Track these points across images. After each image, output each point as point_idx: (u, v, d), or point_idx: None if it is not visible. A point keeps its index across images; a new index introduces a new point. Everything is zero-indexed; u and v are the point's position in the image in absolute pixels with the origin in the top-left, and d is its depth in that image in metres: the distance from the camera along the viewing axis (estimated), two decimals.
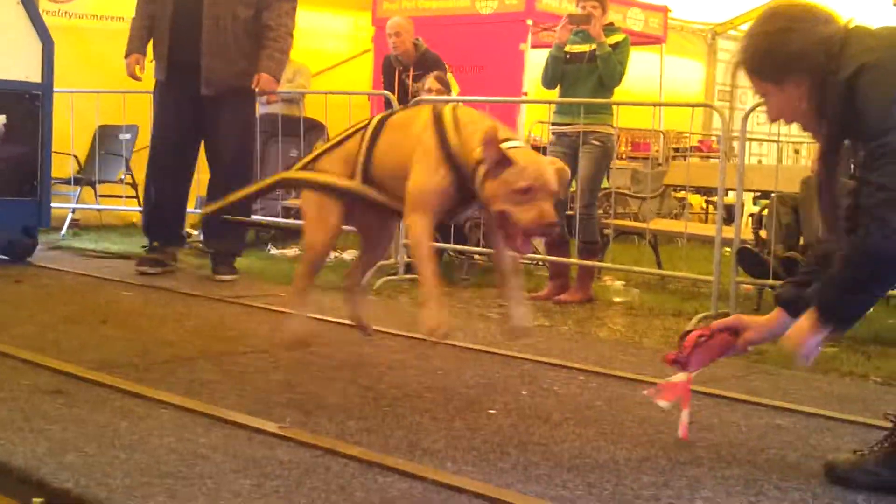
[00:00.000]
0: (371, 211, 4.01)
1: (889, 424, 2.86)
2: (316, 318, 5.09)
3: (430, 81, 7.78)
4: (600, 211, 7.15)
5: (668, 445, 3.14)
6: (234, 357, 4.14)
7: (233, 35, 6.08)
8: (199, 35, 6.05)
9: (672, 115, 11.38)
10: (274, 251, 8.13)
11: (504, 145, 3.42)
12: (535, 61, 9.21)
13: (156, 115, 6.40)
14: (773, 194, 6.30)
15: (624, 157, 10.49)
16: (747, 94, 12.80)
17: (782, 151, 11.63)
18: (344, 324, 4.97)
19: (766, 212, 6.48)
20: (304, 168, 4.11)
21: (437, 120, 3.65)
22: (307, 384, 3.71)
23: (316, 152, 4.15)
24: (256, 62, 6.18)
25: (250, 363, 4.03)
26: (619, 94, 6.97)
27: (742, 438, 3.28)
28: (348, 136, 3.98)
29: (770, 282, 5.65)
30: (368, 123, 3.94)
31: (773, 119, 2.97)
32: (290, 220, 7.80)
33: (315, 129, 8.82)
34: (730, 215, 6.95)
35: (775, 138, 9.12)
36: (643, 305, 6.37)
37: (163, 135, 6.35)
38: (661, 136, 10.66)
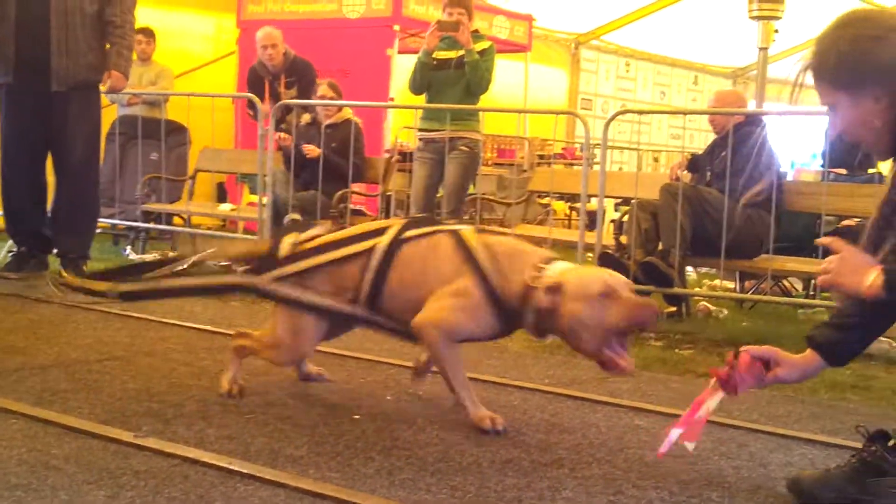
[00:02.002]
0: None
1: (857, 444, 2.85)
2: (175, 325, 4.98)
3: (322, 89, 7.73)
4: (466, 216, 7.19)
5: (530, 447, 3.17)
6: (89, 365, 4.00)
7: (81, 30, 5.96)
8: (47, 32, 5.89)
9: (537, 123, 11.55)
10: (133, 255, 7.91)
11: (550, 268, 3.21)
12: (402, 67, 9.23)
13: (5, 118, 6.16)
14: (633, 201, 6.43)
15: (490, 163, 10.59)
16: (608, 103, 13.12)
17: (642, 159, 11.96)
18: (205, 329, 4.87)
19: (626, 218, 6.62)
20: (287, 277, 3.55)
21: (471, 259, 3.31)
22: (165, 392, 3.61)
23: (301, 264, 3.54)
24: (102, 57, 6.09)
25: (106, 371, 3.91)
26: (485, 101, 7.04)
27: (602, 439, 3.33)
28: (346, 258, 3.50)
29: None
30: (372, 249, 3.46)
31: (835, 133, 2.71)
32: (150, 225, 7.62)
33: (177, 131, 8.64)
34: (592, 221, 7.08)
35: (636, 146, 9.36)
36: None
37: (16, 137, 6.13)
38: (527, 142, 10.80)
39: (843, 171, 10.62)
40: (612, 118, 6.43)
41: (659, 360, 4.91)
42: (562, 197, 10.28)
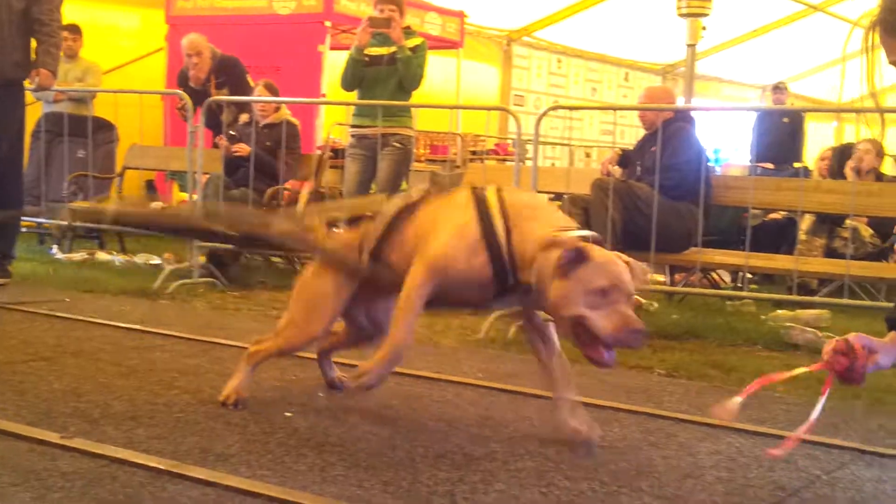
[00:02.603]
0: (367, 303, 3.53)
1: None
2: (103, 324, 4.91)
3: (259, 90, 7.67)
4: None
5: (463, 441, 3.17)
6: (14, 366, 3.92)
7: (7, 28, 5.86)
8: None
9: (469, 119, 11.58)
10: (59, 255, 7.77)
11: (570, 234, 2.97)
12: (334, 63, 9.19)
13: None
14: (564, 196, 6.47)
15: (423, 159, 10.59)
16: (541, 99, 13.20)
17: (574, 155, 12.04)
18: (133, 329, 4.81)
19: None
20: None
21: (479, 202, 3.13)
22: (93, 392, 3.56)
23: (323, 212, 3.59)
24: (28, 54, 6.01)
25: (31, 372, 3.83)
26: (418, 97, 7.03)
27: (535, 432, 3.35)
28: (356, 219, 3.50)
29: None
30: (382, 210, 3.37)
31: None
32: (79, 224, 7.49)
33: (104, 128, 8.51)
34: None
35: (567, 142, 9.42)
36: None
37: None
38: (459, 138, 10.82)
39: (770, 166, 10.84)
40: (544, 114, 6.46)
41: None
42: None
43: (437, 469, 2.87)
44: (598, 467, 2.97)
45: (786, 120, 11.35)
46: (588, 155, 13.38)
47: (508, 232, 3.04)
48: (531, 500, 2.65)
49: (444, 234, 3.13)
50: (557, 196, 7.86)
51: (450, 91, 11.66)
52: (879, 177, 7.71)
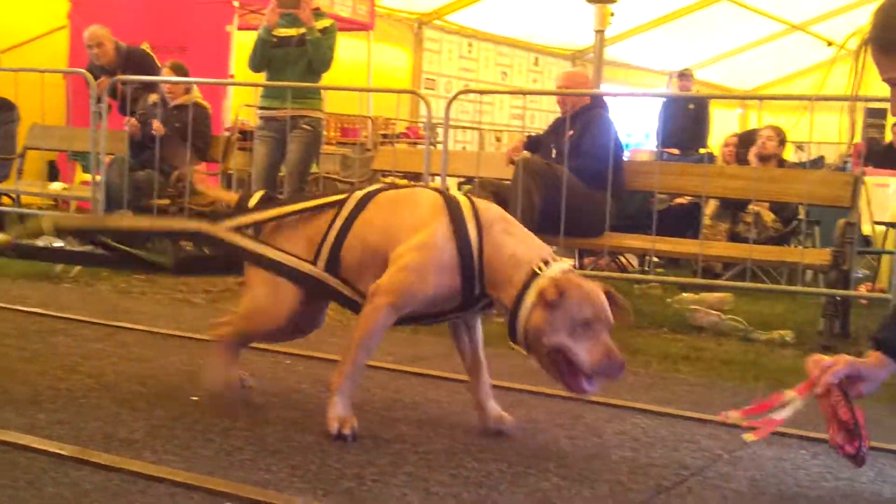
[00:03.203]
0: (308, 303, 3.26)
1: None
2: (4, 308, 4.80)
3: (166, 71, 7.53)
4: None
5: (373, 424, 3.17)
6: None
7: None
8: None
9: (380, 102, 11.54)
10: None
11: (557, 266, 2.90)
12: (242, 43, 9.07)
13: None
14: (475, 180, 6.49)
15: (333, 142, 10.53)
16: (452, 83, 13.21)
17: (485, 139, 12.08)
18: (35, 312, 4.70)
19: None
20: (244, 229, 3.27)
21: (453, 210, 2.99)
22: None
23: (270, 212, 3.26)
24: None
25: None
26: (328, 79, 6.98)
27: (444, 414, 3.37)
28: (319, 208, 3.22)
29: None
30: (348, 198, 3.19)
31: None
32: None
33: (4, 108, 8.28)
34: None
35: (478, 126, 9.44)
36: None
37: None
38: (370, 121, 10.77)
39: (676, 152, 11.02)
40: (454, 98, 6.47)
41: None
42: (405, 176, 10.30)
43: (346, 452, 2.86)
44: (507, 449, 2.99)
45: (691, 106, 11.54)
46: (498, 139, 13.44)
47: (481, 244, 2.95)
48: (440, 481, 2.66)
49: (414, 252, 2.95)
50: (468, 180, 7.89)
51: (360, 74, 11.59)
52: (781, 163, 7.89)
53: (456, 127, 11.46)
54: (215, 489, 2.47)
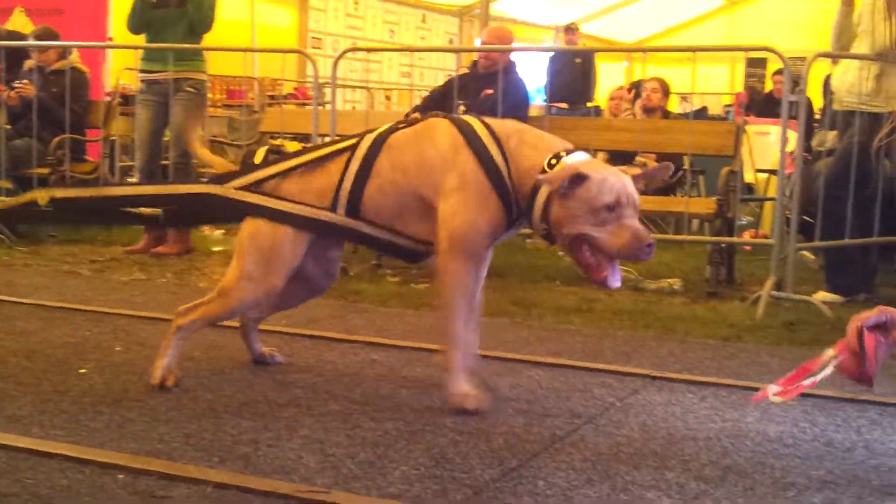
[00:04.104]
0: (317, 254, 3.23)
1: None
2: None
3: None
4: (195, 160, 6.99)
5: (267, 389, 3.14)
6: None
7: None
8: None
9: (266, 63, 11.32)
10: None
11: (569, 158, 2.85)
12: (120, 5, 8.80)
13: None
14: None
15: (219, 104, 10.33)
16: (339, 42, 13.07)
17: (374, 97, 11.99)
18: None
19: None
20: (255, 186, 3.14)
21: (471, 137, 2.97)
22: None
23: (273, 168, 3.15)
24: None
25: None
26: (210, 39, 6.81)
27: (339, 375, 3.36)
28: (327, 157, 3.12)
29: None
30: (358, 143, 3.08)
31: None
32: None
33: None
34: None
35: (366, 85, 9.36)
36: None
37: None
38: (256, 83, 10.60)
39: (565, 106, 11.12)
40: (340, 56, 6.40)
41: (396, 295, 4.99)
42: (295, 137, 10.17)
43: (241, 418, 2.84)
44: (403, 407, 3.00)
45: (578, 60, 11.62)
46: (388, 98, 13.35)
47: (507, 163, 2.92)
48: (336, 442, 2.65)
49: (454, 197, 2.93)
50: None
51: (244, 34, 11.38)
52: (667, 114, 8.02)
53: (344, 86, 11.35)
54: (107, 462, 2.43)
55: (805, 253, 5.87)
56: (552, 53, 12.25)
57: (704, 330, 4.40)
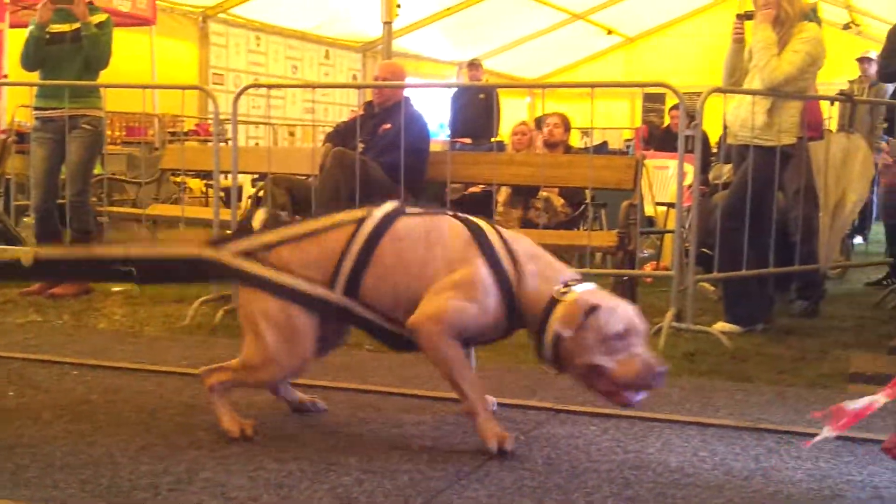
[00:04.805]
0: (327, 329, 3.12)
1: None
2: None
3: None
4: (94, 198, 6.86)
5: (167, 432, 3.08)
6: None
7: None
8: None
9: (167, 99, 11.19)
10: None
11: (579, 289, 2.88)
12: (15, 41, 8.63)
13: None
14: (268, 176, 6.40)
15: (118, 141, 10.17)
16: (241, 77, 12.99)
17: (277, 133, 11.94)
18: None
19: (262, 193, 6.58)
20: (250, 254, 3.05)
21: (482, 240, 2.97)
22: None
23: (272, 236, 3.07)
24: None
25: None
26: (107, 76, 6.71)
27: (242, 416, 3.28)
28: (329, 228, 3.06)
29: None
30: (360, 224, 3.02)
31: None
32: None
33: None
34: (230, 198, 6.97)
35: (268, 121, 9.31)
36: (144, 293, 6.20)
37: None
38: (157, 119, 10.46)
39: (468, 141, 11.20)
40: (241, 92, 6.35)
41: None
42: (198, 174, 10.06)
43: (139, 462, 2.77)
44: (307, 447, 2.97)
45: (482, 96, 11.74)
46: (292, 134, 13.31)
47: (518, 276, 2.93)
48: (238, 485, 2.61)
49: (447, 290, 2.91)
50: (261, 176, 7.78)
51: (144, 70, 11.22)
52: (568, 149, 8.13)
53: (246, 123, 11.29)
54: None
55: (704, 284, 5.98)
56: (456, 89, 12.36)
57: None
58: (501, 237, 3.00)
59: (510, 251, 2.96)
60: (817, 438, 2.49)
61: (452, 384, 2.96)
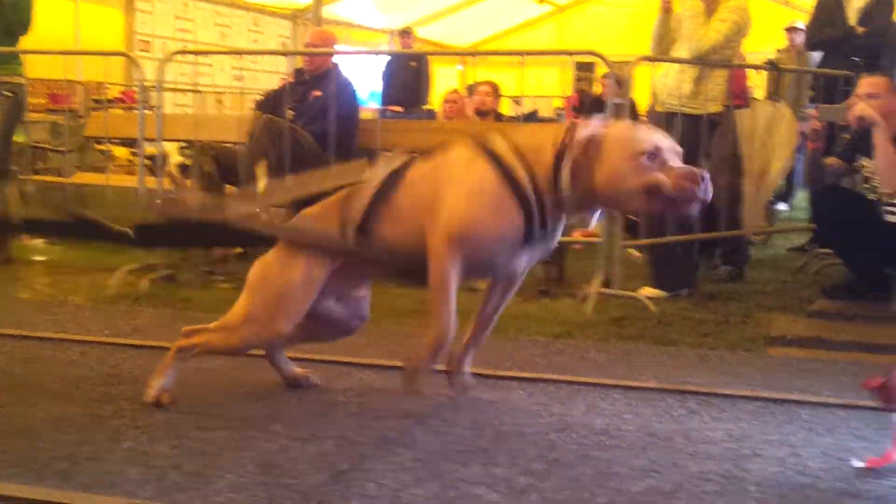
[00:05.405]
0: (341, 295, 3.11)
1: None
2: None
3: None
4: (16, 167, 6.71)
5: (89, 402, 3.03)
6: None
7: None
8: None
9: (92, 66, 10.98)
10: None
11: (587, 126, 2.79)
12: None
13: None
14: (196, 143, 6.31)
15: (42, 109, 9.94)
16: (168, 44, 12.77)
17: (206, 101, 11.77)
18: None
19: (189, 161, 6.49)
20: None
21: (489, 151, 2.86)
22: None
23: (291, 190, 3.10)
24: None
25: None
26: (30, 42, 6.55)
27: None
28: (335, 190, 3.05)
29: None
30: (364, 179, 2.99)
31: None
32: None
33: None
34: (157, 166, 6.86)
35: (195, 88, 9.18)
36: (68, 262, 6.10)
37: None
38: (81, 86, 10.25)
39: (399, 109, 11.16)
40: (168, 59, 6.26)
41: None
42: (123, 142, 9.89)
43: (60, 433, 2.73)
44: (232, 415, 2.95)
45: (413, 64, 11.69)
46: (220, 101, 13.12)
47: (531, 171, 2.81)
48: (161, 453, 2.58)
49: (458, 194, 2.82)
50: (189, 144, 7.67)
51: (68, 36, 11.00)
52: (499, 117, 8.13)
53: (172, 90, 11.06)
54: None
55: (631, 250, 6.04)
56: (387, 57, 12.29)
57: (536, 327, 4.49)
58: (507, 139, 2.90)
59: (518, 149, 2.86)
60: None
61: (432, 312, 2.88)
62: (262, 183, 3.18)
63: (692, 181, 2.69)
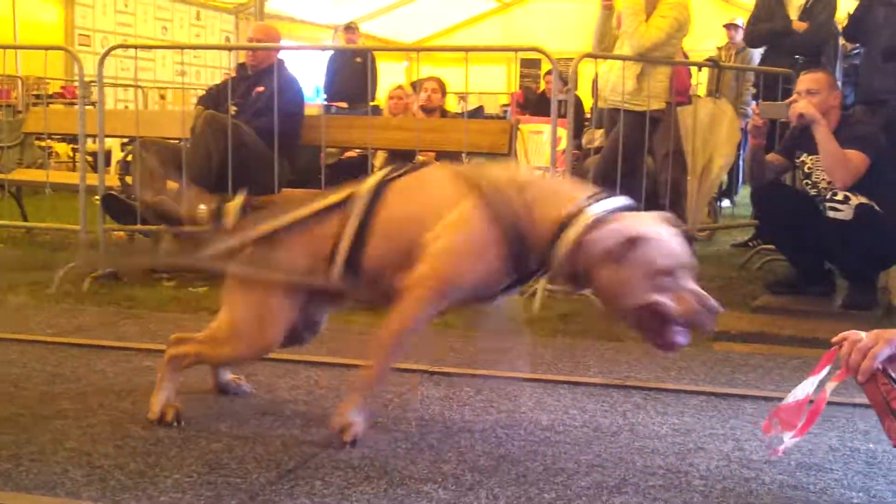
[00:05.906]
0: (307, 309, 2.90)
1: None
2: None
3: None
4: None
5: (30, 402, 2.99)
6: None
7: None
8: None
9: (31, 61, 10.81)
10: None
11: (601, 206, 2.58)
12: None
13: None
14: (137, 140, 6.23)
15: None
16: (108, 38, 12.60)
17: (147, 97, 11.64)
18: None
19: (130, 157, 6.41)
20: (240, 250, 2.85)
21: (482, 188, 2.64)
22: None
23: (263, 226, 2.83)
24: None
25: None
26: None
27: (109, 384, 3.22)
28: (321, 212, 2.81)
29: (139, 227, 5.62)
30: (352, 195, 2.78)
31: None
32: None
33: None
34: (98, 162, 6.77)
35: (136, 83, 9.08)
36: (8, 260, 6.00)
37: None
38: (20, 81, 10.09)
39: (344, 105, 11.12)
40: (107, 53, 6.14)
41: (172, 299, 4.86)
42: (64, 139, 9.75)
43: (1, 433, 2.69)
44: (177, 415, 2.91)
45: (358, 59, 11.64)
46: (163, 97, 12.97)
47: (518, 216, 2.61)
48: (105, 453, 2.55)
49: (449, 239, 2.63)
50: (130, 140, 7.58)
51: (5, 30, 10.81)
52: (444, 114, 8.14)
53: (114, 85, 10.95)
54: None
55: None
56: (332, 52, 12.23)
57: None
58: (509, 174, 2.75)
59: (518, 187, 2.66)
60: (784, 445, 2.35)
61: (379, 351, 2.70)
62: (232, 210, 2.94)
63: (705, 307, 2.50)
